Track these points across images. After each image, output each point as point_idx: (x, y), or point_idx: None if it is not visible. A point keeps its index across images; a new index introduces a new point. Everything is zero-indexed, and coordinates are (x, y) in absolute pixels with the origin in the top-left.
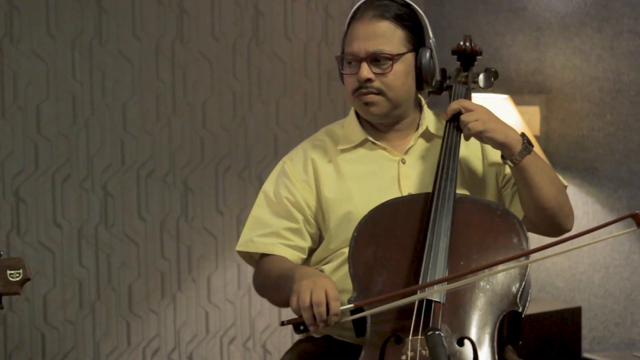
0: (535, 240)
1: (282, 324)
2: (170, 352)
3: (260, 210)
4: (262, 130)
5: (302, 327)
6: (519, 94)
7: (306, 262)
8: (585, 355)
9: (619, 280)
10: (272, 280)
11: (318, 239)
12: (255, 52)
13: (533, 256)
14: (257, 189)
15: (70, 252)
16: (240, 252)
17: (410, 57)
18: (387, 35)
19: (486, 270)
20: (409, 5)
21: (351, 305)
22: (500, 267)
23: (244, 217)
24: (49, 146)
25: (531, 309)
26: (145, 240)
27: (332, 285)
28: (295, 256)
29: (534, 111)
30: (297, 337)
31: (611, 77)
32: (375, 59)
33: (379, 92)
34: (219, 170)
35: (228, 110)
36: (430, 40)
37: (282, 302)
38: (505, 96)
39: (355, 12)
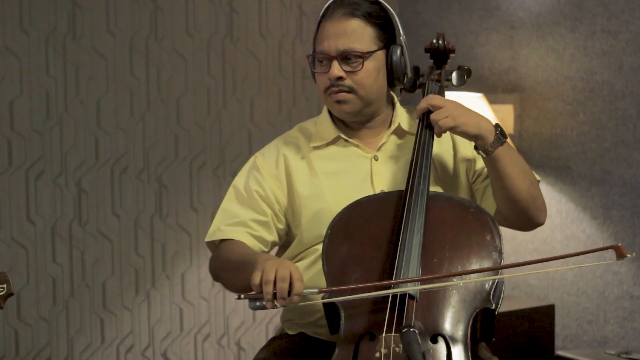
0: (508, 239)
1: (239, 297)
2: (144, 349)
3: (229, 203)
4: (236, 127)
5: (258, 303)
6: (493, 93)
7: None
8: (559, 352)
9: (592, 279)
10: (232, 263)
11: (285, 236)
12: (230, 49)
13: (507, 271)
14: None
15: (43, 249)
16: (207, 244)
17: (381, 54)
18: (357, 33)
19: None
20: (379, 2)
21: (315, 289)
22: (474, 275)
23: None
24: (22, 142)
25: (504, 306)
26: (119, 237)
27: (297, 268)
28: (257, 247)
29: (508, 110)
30: (272, 334)
31: (584, 77)
32: (345, 57)
33: (350, 90)
34: (194, 167)
35: (202, 107)
36: (401, 38)
37: (240, 283)
38: (479, 94)
39: (325, 11)
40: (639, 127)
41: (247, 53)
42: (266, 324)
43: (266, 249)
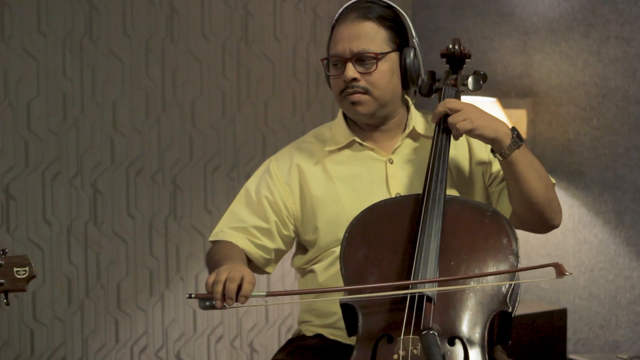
0: (520, 244)
1: (190, 296)
2: (157, 350)
3: (238, 205)
4: (250, 130)
5: (207, 303)
6: (506, 97)
7: (297, 262)
8: (571, 356)
9: (604, 283)
10: (213, 261)
11: (294, 242)
12: (245, 52)
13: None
14: None
15: (59, 250)
16: (211, 242)
17: (394, 56)
18: (370, 35)
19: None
20: (391, 7)
21: (263, 292)
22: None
23: None
24: (39, 143)
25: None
26: (134, 238)
27: (251, 274)
28: (257, 254)
29: (521, 114)
30: (284, 336)
31: (598, 82)
32: (359, 59)
33: (365, 92)
34: (208, 170)
35: (217, 110)
36: (414, 40)
37: None
38: (493, 99)
39: (339, 16)
40: None
41: (262, 56)
42: (279, 325)
43: (268, 256)
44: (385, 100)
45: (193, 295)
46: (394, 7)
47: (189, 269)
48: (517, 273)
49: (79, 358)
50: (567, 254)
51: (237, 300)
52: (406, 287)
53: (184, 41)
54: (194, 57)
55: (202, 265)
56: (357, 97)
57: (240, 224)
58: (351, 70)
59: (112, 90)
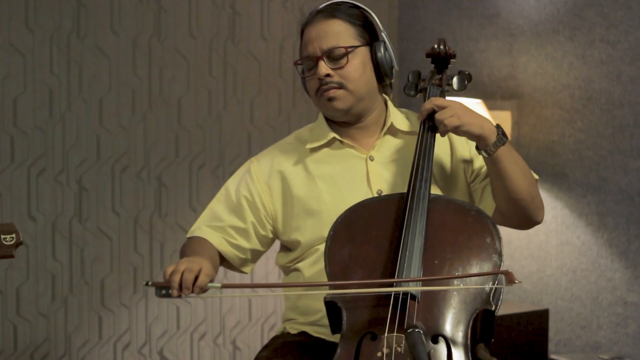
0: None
1: (147, 284)
2: (141, 347)
3: (217, 204)
4: (236, 128)
5: (164, 291)
6: (491, 99)
7: (281, 260)
8: (552, 357)
9: (586, 284)
10: (182, 255)
11: (271, 242)
12: (231, 50)
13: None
14: None
15: (43, 245)
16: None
17: (364, 50)
18: (338, 32)
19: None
20: (358, 6)
21: (219, 284)
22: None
23: None
24: (25, 139)
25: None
26: (119, 235)
27: (210, 267)
28: (232, 254)
29: (506, 116)
30: (267, 333)
31: (582, 85)
32: (330, 56)
33: (340, 86)
34: (193, 167)
35: (203, 108)
36: (383, 34)
37: None
38: (478, 100)
39: (306, 20)
40: (636, 135)
41: (249, 55)
42: (262, 323)
43: (244, 256)
44: (361, 94)
45: (150, 283)
46: (360, 7)
47: None
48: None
49: (62, 354)
50: (549, 255)
51: (192, 291)
52: (390, 285)
53: (171, 39)
54: (181, 55)
55: None
56: (332, 92)
57: (218, 222)
58: (323, 67)
59: (98, 86)
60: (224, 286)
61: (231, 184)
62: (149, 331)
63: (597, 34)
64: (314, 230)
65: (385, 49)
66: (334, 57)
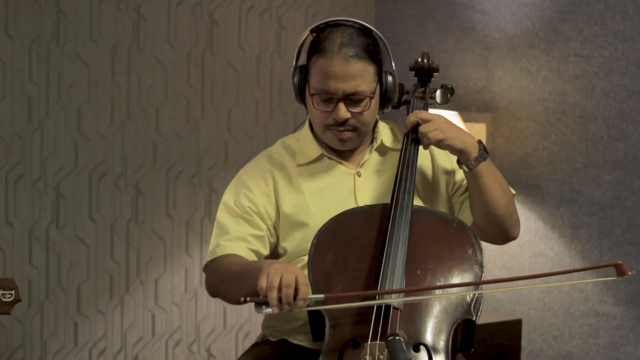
0: (488, 253)
1: (245, 300)
2: (116, 354)
3: (223, 218)
4: (213, 137)
5: (264, 307)
6: (466, 111)
7: None
8: None
9: (558, 295)
10: (234, 273)
11: (275, 249)
12: (209, 60)
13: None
14: (207, 195)
15: (20, 251)
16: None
17: (377, 87)
18: (362, 75)
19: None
20: (370, 31)
21: (322, 295)
22: (456, 289)
23: (193, 222)
24: (3, 146)
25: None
26: (96, 241)
27: (302, 272)
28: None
29: (480, 128)
30: (242, 341)
31: (557, 99)
32: (352, 99)
33: (354, 129)
34: (170, 175)
35: (181, 117)
36: (391, 61)
37: (244, 292)
38: (454, 112)
39: (321, 46)
40: (609, 149)
41: (226, 65)
42: (236, 331)
43: None
44: (368, 131)
45: (248, 299)
46: (372, 31)
47: (149, 274)
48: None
49: None
50: (523, 266)
51: (295, 305)
52: (373, 296)
53: (150, 47)
54: (159, 64)
55: (162, 270)
56: (346, 134)
57: (234, 234)
58: (344, 111)
59: (77, 94)
60: (327, 297)
61: (228, 198)
62: (125, 338)
63: (571, 48)
64: (300, 242)
65: (393, 78)
66: (355, 100)
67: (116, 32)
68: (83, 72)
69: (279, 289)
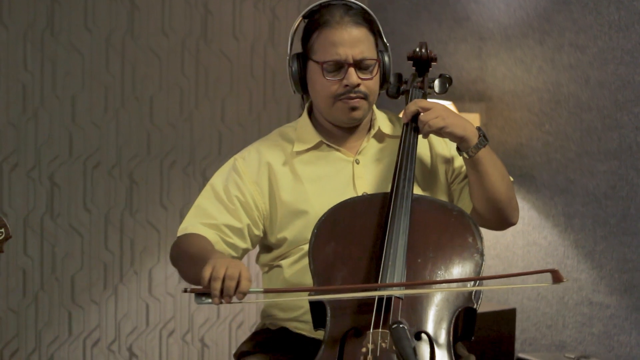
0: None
1: (185, 291)
2: (110, 344)
3: (205, 202)
4: (207, 127)
5: (204, 298)
6: (460, 101)
7: (263, 259)
8: (520, 355)
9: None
10: (189, 254)
11: (261, 242)
12: (204, 50)
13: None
14: (201, 185)
15: (15, 241)
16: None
17: (379, 58)
18: (366, 42)
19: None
20: (364, 9)
21: (261, 288)
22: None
23: (187, 211)
24: None
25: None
26: (90, 231)
27: (247, 268)
28: (226, 252)
29: (474, 118)
30: (235, 332)
31: (551, 89)
32: (360, 65)
33: (364, 97)
34: (164, 165)
35: (175, 106)
36: (385, 41)
37: (193, 275)
38: (449, 102)
39: (322, 18)
40: (603, 139)
41: (220, 54)
42: (229, 321)
43: (236, 255)
44: (373, 103)
45: (189, 290)
46: (366, 10)
47: (143, 264)
48: (481, 271)
49: (32, 350)
50: (516, 255)
51: (234, 298)
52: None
53: (144, 37)
54: (153, 53)
55: (156, 260)
56: (357, 102)
57: (211, 220)
58: (355, 76)
59: (72, 83)
60: (266, 291)
61: (217, 181)
62: (119, 328)
63: (566, 38)
64: (300, 230)
65: (389, 57)
66: (364, 67)
67: (110, 21)
68: (77, 61)
69: (223, 281)
